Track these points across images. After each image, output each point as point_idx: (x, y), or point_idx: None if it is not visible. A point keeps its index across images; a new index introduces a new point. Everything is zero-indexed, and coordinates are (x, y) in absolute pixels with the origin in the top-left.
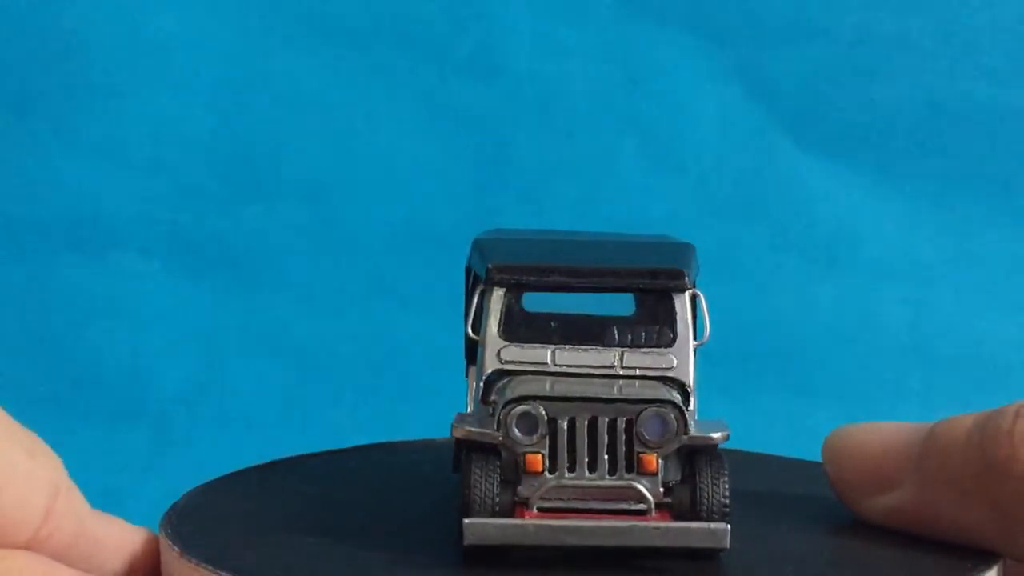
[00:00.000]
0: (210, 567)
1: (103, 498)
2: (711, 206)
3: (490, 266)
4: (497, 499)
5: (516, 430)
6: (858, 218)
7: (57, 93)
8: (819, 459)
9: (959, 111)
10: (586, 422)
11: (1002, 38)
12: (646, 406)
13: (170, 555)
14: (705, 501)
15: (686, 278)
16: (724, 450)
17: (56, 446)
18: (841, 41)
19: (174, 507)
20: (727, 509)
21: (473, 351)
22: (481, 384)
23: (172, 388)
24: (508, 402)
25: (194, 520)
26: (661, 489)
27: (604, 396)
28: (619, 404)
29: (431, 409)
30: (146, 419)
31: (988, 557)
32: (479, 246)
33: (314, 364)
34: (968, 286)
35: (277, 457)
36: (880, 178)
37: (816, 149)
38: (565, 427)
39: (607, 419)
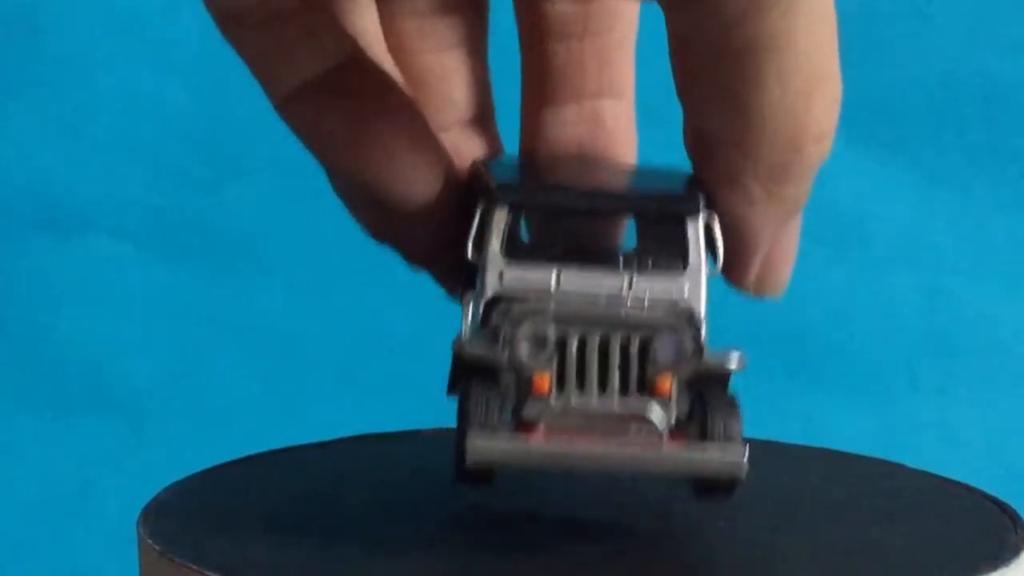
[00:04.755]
0: (194, 567)
1: (75, 494)
2: None
3: (494, 185)
4: (499, 420)
5: (523, 350)
6: (870, 200)
7: (24, 67)
8: (831, 448)
9: (976, 87)
10: (597, 342)
11: (1021, 10)
12: (661, 327)
13: (150, 555)
14: (719, 432)
15: (700, 202)
16: None
17: (23, 440)
18: (851, 13)
19: (152, 504)
20: (741, 441)
21: (471, 275)
22: (481, 308)
23: (147, 378)
24: (515, 320)
25: (174, 517)
26: (674, 416)
27: (617, 317)
28: (632, 325)
29: (419, 400)
30: (119, 411)
31: (1007, 549)
32: (483, 166)
33: (297, 353)
34: (985, 272)
35: (259, 451)
36: (893, 158)
37: None
38: (575, 346)
39: (619, 340)
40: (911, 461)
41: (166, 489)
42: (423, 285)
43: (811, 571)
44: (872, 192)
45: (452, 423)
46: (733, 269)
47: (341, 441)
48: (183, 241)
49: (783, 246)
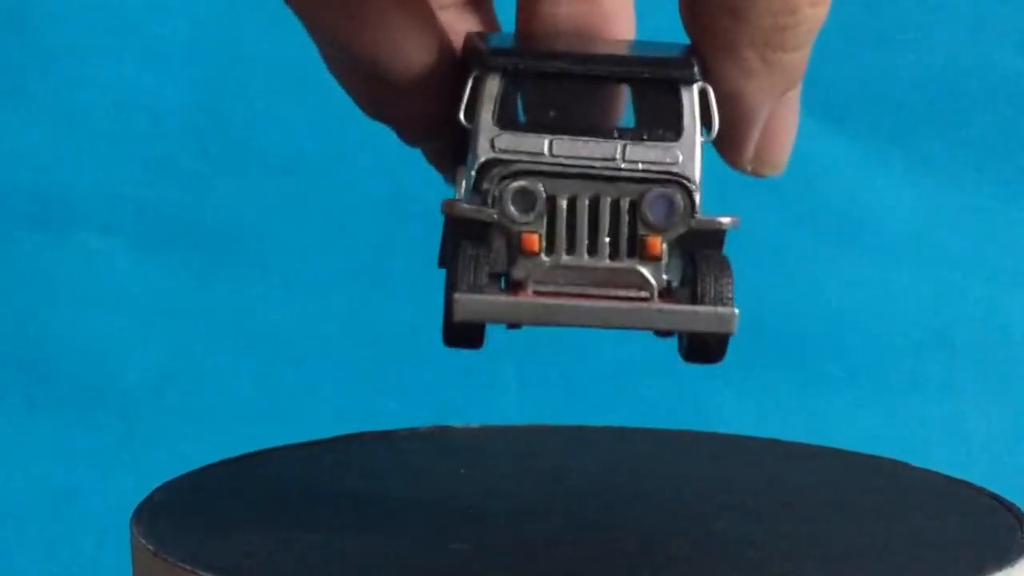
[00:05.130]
0: (188, 567)
1: (65, 495)
2: (715, 180)
3: (486, 50)
4: (487, 278)
5: (512, 207)
6: (873, 194)
7: (12, 62)
8: (835, 446)
9: (980, 79)
10: (587, 201)
11: None
12: (652, 186)
13: (143, 555)
14: (709, 290)
15: (695, 69)
16: (735, 439)
17: (12, 438)
18: (855, 4)
19: (146, 503)
20: (732, 300)
21: (465, 153)
22: (473, 174)
23: (139, 376)
24: (505, 177)
25: (168, 517)
26: (665, 278)
27: (608, 173)
28: (623, 183)
29: (416, 397)
30: (111, 410)
31: (1013, 549)
32: (477, 37)
33: (293, 349)
34: (990, 266)
35: (253, 449)
36: (897, 151)
37: (829, 120)
38: (565, 205)
39: (610, 199)
40: (915, 459)
41: (159, 488)
42: (420, 281)
43: (813, 571)
44: (874, 186)
45: (450, 421)
46: (730, 144)
47: (337, 439)
48: (175, 236)
49: (782, 119)
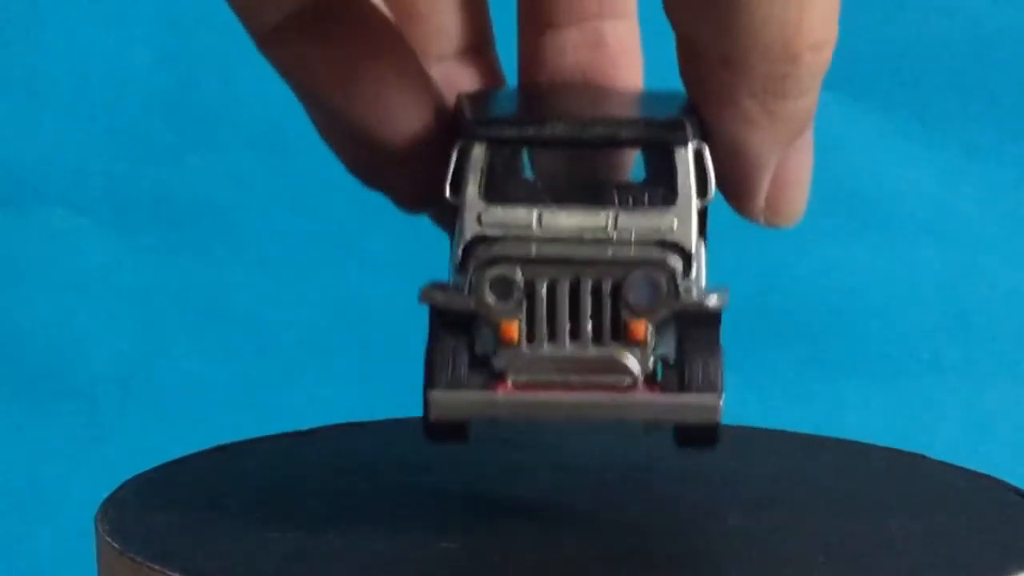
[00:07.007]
0: (156, 566)
1: (27, 491)
2: None
3: (470, 119)
4: (466, 372)
5: (489, 295)
6: (892, 170)
7: None
8: (849, 437)
9: (1006, 49)
10: (567, 286)
11: None
12: (633, 267)
13: (109, 553)
14: (696, 376)
15: (688, 129)
16: (744, 430)
17: None
18: None
19: (112, 498)
20: (719, 385)
21: (454, 216)
22: (459, 252)
23: (107, 363)
24: (481, 264)
25: (135, 513)
26: (651, 362)
27: (587, 257)
28: (604, 266)
29: (400, 385)
30: (77, 399)
31: None
32: (466, 99)
33: (270, 335)
34: (1015, 247)
35: (226, 441)
36: (917, 124)
37: (845, 92)
38: (544, 292)
39: (591, 283)
40: (933, 451)
41: (127, 483)
42: (405, 263)
43: (826, 569)
44: (894, 161)
45: None
46: (739, 196)
47: (317, 431)
48: (145, 214)
49: (792, 167)
